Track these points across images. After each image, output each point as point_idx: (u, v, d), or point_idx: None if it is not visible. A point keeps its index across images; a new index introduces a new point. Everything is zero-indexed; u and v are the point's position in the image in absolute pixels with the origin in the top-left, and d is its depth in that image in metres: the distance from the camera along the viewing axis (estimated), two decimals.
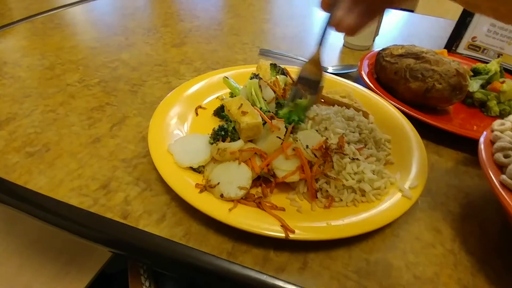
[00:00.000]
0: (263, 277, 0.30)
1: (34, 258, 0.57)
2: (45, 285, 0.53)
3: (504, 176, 0.32)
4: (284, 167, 0.36)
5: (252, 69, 0.56)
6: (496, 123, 0.39)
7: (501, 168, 0.34)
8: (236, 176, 0.35)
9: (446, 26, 0.84)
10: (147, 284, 0.47)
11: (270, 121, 0.39)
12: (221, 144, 0.37)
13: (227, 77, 0.49)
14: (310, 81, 0.43)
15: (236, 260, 0.31)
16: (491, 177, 0.33)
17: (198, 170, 0.38)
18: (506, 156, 0.35)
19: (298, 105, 0.42)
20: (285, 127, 0.39)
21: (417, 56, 0.54)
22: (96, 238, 0.34)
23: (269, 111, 0.43)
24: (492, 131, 0.39)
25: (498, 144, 0.36)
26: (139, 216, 0.35)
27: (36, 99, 0.52)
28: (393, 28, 1.01)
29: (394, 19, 1.08)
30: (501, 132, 0.38)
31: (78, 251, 0.58)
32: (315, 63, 0.42)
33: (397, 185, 0.37)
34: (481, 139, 0.38)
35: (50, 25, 0.79)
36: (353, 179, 0.36)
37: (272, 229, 0.31)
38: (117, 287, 0.61)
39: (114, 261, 0.59)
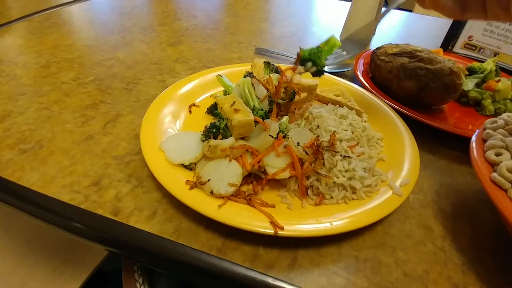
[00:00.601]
0: (252, 274, 0.30)
1: (31, 256, 0.57)
2: (42, 283, 0.54)
3: (495, 174, 0.32)
4: (275, 164, 0.36)
5: (246, 67, 0.56)
6: (489, 122, 0.39)
7: (492, 166, 0.34)
8: (226, 173, 0.35)
9: (443, 26, 0.84)
10: (140, 280, 0.47)
11: (262, 120, 0.39)
12: (212, 141, 0.37)
13: (220, 75, 0.49)
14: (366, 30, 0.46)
15: (225, 256, 0.31)
16: (482, 174, 0.33)
17: (189, 167, 0.38)
18: (497, 154, 0.35)
19: (330, 43, 0.39)
20: (301, 61, 0.38)
21: (411, 55, 0.53)
22: (86, 234, 0.34)
23: (262, 109, 0.43)
24: (485, 129, 0.38)
25: (489, 142, 0.36)
26: (130, 213, 0.35)
27: (31, 97, 0.52)
28: (391, 28, 1.01)
29: (392, 19, 1.08)
30: (493, 130, 0.38)
31: (74, 250, 0.58)
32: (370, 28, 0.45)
33: (388, 183, 0.37)
34: (473, 137, 0.38)
35: (47, 24, 0.79)
36: (344, 176, 0.36)
37: (261, 225, 0.31)
38: (113, 285, 0.62)
39: (110, 260, 0.59)
